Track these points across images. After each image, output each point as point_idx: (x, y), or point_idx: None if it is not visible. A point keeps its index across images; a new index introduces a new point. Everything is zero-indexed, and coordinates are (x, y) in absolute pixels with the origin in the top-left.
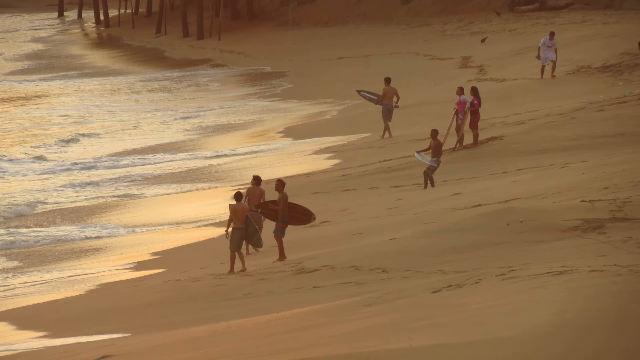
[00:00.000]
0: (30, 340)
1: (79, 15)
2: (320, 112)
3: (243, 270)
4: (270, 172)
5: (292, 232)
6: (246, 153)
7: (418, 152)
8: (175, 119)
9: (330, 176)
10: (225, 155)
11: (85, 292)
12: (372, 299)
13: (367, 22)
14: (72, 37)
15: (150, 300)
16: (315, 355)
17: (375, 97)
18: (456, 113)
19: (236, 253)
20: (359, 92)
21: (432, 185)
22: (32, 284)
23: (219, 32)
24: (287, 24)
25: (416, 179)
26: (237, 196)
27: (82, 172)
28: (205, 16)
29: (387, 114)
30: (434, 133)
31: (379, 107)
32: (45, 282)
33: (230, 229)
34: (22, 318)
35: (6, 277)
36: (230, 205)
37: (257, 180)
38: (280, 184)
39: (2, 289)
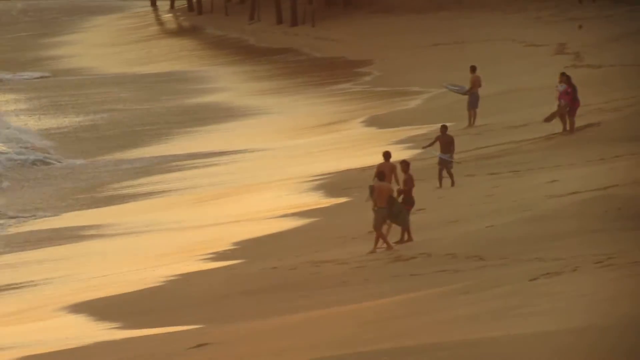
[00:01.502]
0: (123, 330)
1: (153, 3)
2: (406, 101)
3: (389, 248)
4: (350, 162)
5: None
6: (326, 142)
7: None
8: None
9: (424, 164)
10: (300, 146)
11: (172, 281)
12: (468, 287)
13: (462, 9)
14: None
15: (246, 288)
16: (412, 344)
17: (461, 88)
18: (558, 99)
19: (377, 232)
20: (445, 86)
21: (452, 184)
22: (115, 274)
23: (312, 19)
24: (381, 11)
25: (513, 166)
26: (380, 175)
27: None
28: (299, 2)
29: (475, 102)
30: (444, 129)
31: (464, 97)
32: (126, 272)
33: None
34: (110, 308)
35: (89, 268)
36: (372, 185)
37: (387, 155)
38: (405, 164)
39: (89, 279)
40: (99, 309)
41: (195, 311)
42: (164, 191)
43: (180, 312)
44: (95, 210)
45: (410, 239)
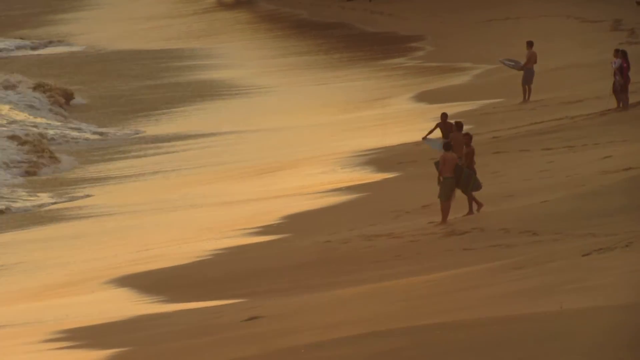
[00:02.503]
0: (174, 303)
1: None
2: (458, 77)
3: (469, 213)
4: (401, 137)
5: (436, 196)
6: (376, 117)
7: (425, 138)
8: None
9: (478, 139)
10: (351, 120)
11: (221, 255)
12: (522, 262)
13: None
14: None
15: (298, 262)
16: (465, 318)
17: (516, 64)
18: (615, 74)
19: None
20: (501, 61)
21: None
22: (163, 248)
23: None
24: None
25: (567, 142)
26: (447, 146)
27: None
28: None
29: (530, 78)
30: (444, 116)
31: (517, 73)
32: (175, 246)
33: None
34: (160, 282)
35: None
36: (441, 155)
37: (459, 125)
38: (468, 137)
39: (137, 252)
40: (148, 282)
41: (247, 284)
42: (211, 165)
43: (232, 285)
44: (143, 183)
45: (480, 205)
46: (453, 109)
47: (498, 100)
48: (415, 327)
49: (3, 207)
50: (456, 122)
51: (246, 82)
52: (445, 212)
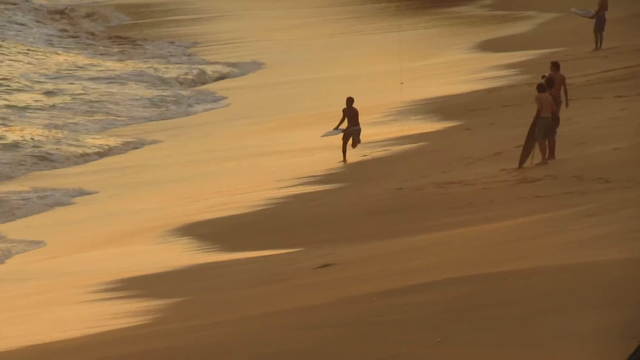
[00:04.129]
0: (246, 251)
1: None
2: (522, 25)
3: (543, 161)
4: (465, 86)
5: (508, 143)
6: (440, 66)
7: (335, 129)
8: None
9: (520, 91)
10: (415, 69)
11: (290, 203)
12: (594, 210)
13: None
14: None
15: (371, 209)
16: (537, 265)
17: (587, 12)
18: None
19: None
20: (573, 11)
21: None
22: (231, 196)
23: None
24: None
25: (639, 89)
26: (541, 87)
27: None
28: None
29: (601, 25)
30: (349, 101)
31: (581, 21)
32: (242, 194)
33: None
34: (229, 229)
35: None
36: (536, 96)
37: (556, 65)
38: (551, 82)
39: (204, 201)
40: (213, 230)
41: (319, 232)
42: (273, 113)
43: (305, 233)
44: (212, 131)
45: (552, 156)
46: (517, 57)
47: (565, 48)
48: (487, 274)
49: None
50: (553, 62)
51: (305, 30)
52: (543, 150)
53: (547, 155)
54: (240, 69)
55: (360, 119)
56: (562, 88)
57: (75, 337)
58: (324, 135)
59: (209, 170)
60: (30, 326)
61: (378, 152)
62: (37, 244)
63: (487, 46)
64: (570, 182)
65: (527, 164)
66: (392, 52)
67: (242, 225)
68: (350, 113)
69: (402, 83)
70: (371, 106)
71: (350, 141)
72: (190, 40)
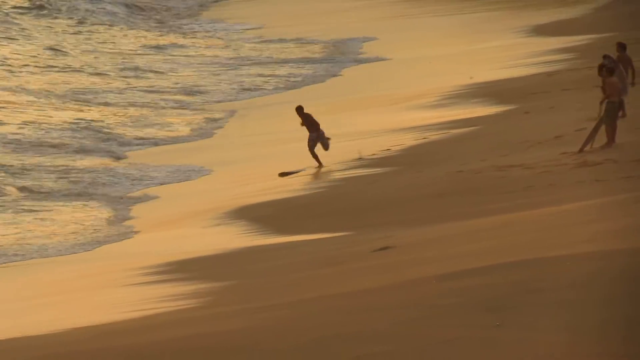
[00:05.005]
0: (303, 234)
1: None
2: (577, 9)
3: (608, 144)
4: (523, 70)
5: (568, 127)
6: (491, 50)
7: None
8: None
9: (582, 75)
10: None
11: (346, 185)
12: None
13: None
14: None
15: (430, 191)
16: (595, 250)
17: None
18: None
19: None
20: None
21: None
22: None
23: None
24: None
25: None
26: (609, 70)
27: None
28: None
29: None
30: (299, 110)
31: (638, 5)
32: (296, 176)
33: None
34: (287, 212)
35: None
36: (607, 80)
37: (623, 46)
38: (610, 69)
39: (259, 183)
40: (270, 212)
41: (377, 214)
42: (331, 96)
43: (362, 215)
44: (270, 119)
45: (613, 140)
46: (576, 41)
47: (620, 33)
48: (545, 258)
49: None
50: (619, 43)
51: (361, 13)
52: (611, 134)
53: (610, 140)
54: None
55: (420, 102)
56: (630, 69)
57: (130, 318)
58: (282, 175)
59: (267, 152)
60: (86, 307)
61: (437, 135)
62: None
63: (544, 30)
64: (631, 167)
65: (587, 147)
66: (451, 35)
67: (298, 208)
68: (307, 121)
69: (471, 77)
70: (430, 89)
71: (319, 146)
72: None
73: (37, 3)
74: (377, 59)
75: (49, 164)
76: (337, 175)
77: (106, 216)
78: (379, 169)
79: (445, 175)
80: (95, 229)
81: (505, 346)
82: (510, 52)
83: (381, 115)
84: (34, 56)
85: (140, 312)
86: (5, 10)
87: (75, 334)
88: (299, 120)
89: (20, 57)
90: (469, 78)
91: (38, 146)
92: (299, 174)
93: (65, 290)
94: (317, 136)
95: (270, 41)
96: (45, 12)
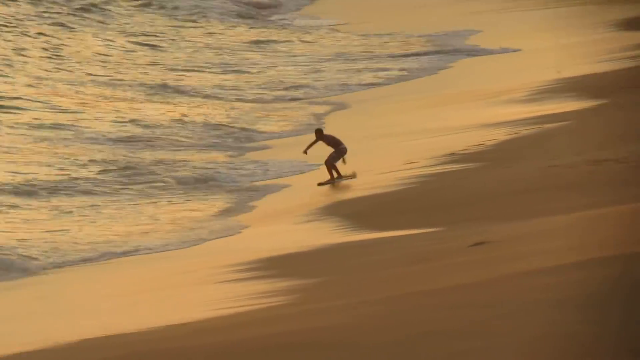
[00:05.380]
0: (394, 231)
1: None
2: None
3: None
4: (615, 64)
5: None
6: (577, 42)
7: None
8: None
9: None
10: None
11: (438, 180)
12: None
13: None
14: None
15: (522, 187)
16: None
17: None
18: None
19: None
20: None
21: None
22: (372, 174)
23: None
24: None
25: None
26: None
27: None
28: None
29: None
30: (318, 133)
31: None
32: (382, 173)
33: None
34: (374, 208)
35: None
36: None
37: None
38: None
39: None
40: (357, 209)
41: (471, 210)
42: (421, 92)
43: (453, 211)
44: (364, 115)
45: None
46: None
47: None
48: (637, 254)
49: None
50: None
51: (449, 8)
52: None
53: None
54: None
55: (511, 96)
56: None
57: (220, 316)
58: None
59: (360, 147)
60: (178, 304)
61: (528, 130)
62: None
63: (635, 24)
64: None
65: None
66: (541, 29)
67: (390, 204)
68: (330, 140)
69: (559, 72)
70: (522, 83)
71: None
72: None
73: None
74: (502, 51)
75: (163, 158)
76: (429, 170)
77: (216, 211)
78: (470, 164)
79: (538, 170)
80: (203, 225)
81: (598, 342)
82: (600, 47)
83: (473, 110)
84: (133, 51)
85: (231, 309)
86: (109, 6)
87: (166, 331)
88: (319, 142)
89: (123, 52)
90: (556, 72)
91: (150, 141)
92: (336, 182)
93: (160, 287)
94: (338, 152)
95: (370, 35)
96: (151, 7)
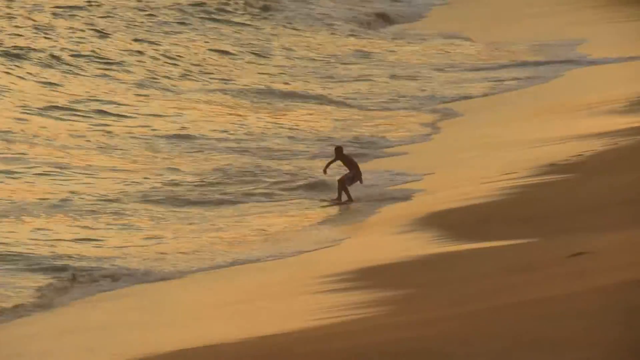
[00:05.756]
0: (482, 242)
1: None
2: None
3: None
4: None
5: None
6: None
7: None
8: None
9: None
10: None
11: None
12: None
13: None
14: None
15: (622, 197)
16: None
17: None
18: None
19: None
20: None
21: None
22: (467, 186)
23: None
24: None
25: None
26: None
27: None
28: None
29: None
30: (339, 151)
31: None
32: (478, 183)
33: None
34: (472, 218)
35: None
36: None
37: None
38: None
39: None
40: (462, 219)
41: (569, 220)
42: (522, 102)
43: (554, 221)
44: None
45: None
46: None
47: None
48: None
49: None
50: None
51: (543, 20)
52: None
53: None
54: None
55: (612, 106)
56: None
57: (314, 326)
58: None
59: (462, 157)
60: (271, 315)
61: (627, 141)
62: None
63: None
64: None
65: None
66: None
67: (487, 214)
68: (347, 160)
69: None
70: (624, 93)
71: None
72: None
73: (262, 4)
74: (609, 61)
75: (269, 166)
76: (528, 181)
77: (319, 220)
78: (569, 175)
79: (637, 181)
80: (304, 234)
81: None
82: None
83: (574, 120)
84: (243, 59)
85: (327, 319)
86: (216, 12)
87: (263, 341)
88: (339, 160)
89: (234, 59)
90: None
91: (267, 150)
92: (342, 205)
93: (257, 298)
94: (355, 174)
95: (481, 44)
96: (264, 15)
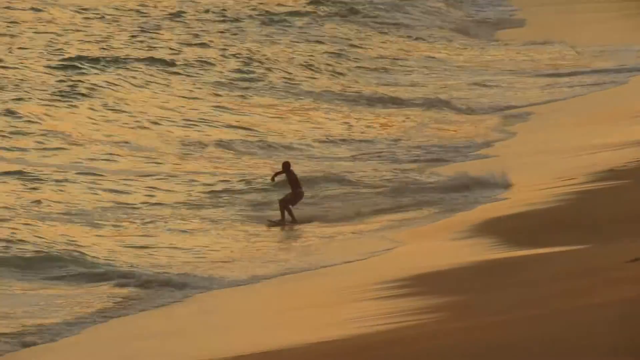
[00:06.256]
0: (540, 247)
1: None
2: None
3: None
4: None
5: None
6: None
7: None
8: None
9: None
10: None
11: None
12: None
13: None
14: None
15: None
16: None
17: None
18: None
19: None
20: None
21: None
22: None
23: None
24: None
25: None
26: None
27: None
28: None
29: None
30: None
31: None
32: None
33: None
34: (529, 224)
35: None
36: None
37: None
38: None
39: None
40: (519, 225)
41: (628, 226)
42: (572, 109)
43: (613, 227)
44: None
45: None
46: None
47: None
48: None
49: None
50: None
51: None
52: None
53: None
54: None
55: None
56: None
57: (370, 332)
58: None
59: (521, 162)
60: (327, 321)
61: None
62: None
63: None
64: None
65: None
66: None
67: (544, 220)
68: (291, 178)
69: None
70: None
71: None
72: None
73: (348, 8)
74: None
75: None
76: (587, 187)
77: (383, 225)
78: (627, 181)
79: None
80: (364, 240)
81: None
82: None
83: (634, 127)
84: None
85: (384, 325)
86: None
87: (320, 347)
88: (281, 175)
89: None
90: None
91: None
92: (286, 225)
93: (314, 304)
94: (297, 194)
95: (546, 50)
96: (349, 17)
